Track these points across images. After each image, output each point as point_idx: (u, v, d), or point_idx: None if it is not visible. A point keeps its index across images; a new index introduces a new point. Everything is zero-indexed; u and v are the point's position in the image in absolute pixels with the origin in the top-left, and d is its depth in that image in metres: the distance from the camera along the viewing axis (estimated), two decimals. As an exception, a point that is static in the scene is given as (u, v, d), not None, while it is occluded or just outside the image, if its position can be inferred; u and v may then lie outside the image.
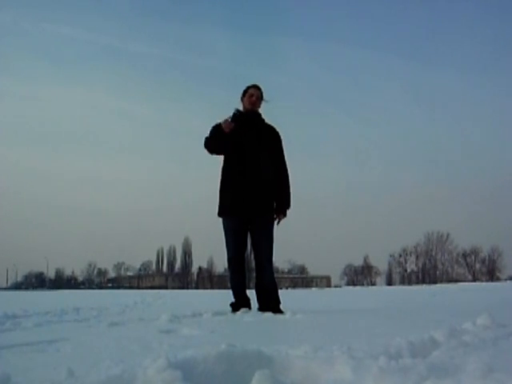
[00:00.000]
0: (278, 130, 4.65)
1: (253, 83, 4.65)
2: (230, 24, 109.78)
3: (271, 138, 4.56)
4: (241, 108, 4.60)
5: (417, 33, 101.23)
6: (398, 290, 22.29)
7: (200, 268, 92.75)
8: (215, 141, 4.44)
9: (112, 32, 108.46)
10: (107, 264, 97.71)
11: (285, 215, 4.53)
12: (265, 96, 4.63)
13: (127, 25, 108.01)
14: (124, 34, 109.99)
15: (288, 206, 4.54)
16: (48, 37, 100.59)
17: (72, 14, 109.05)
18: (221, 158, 4.57)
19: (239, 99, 4.62)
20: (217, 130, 4.42)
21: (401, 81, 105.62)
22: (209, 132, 4.51)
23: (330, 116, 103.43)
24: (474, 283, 37.00)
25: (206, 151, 4.50)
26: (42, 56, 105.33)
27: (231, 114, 4.43)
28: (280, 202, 4.52)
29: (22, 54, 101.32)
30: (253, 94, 4.54)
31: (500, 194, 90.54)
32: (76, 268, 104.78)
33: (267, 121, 4.65)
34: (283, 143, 4.65)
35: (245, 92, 4.59)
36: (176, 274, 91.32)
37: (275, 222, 4.49)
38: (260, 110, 4.63)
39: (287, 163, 4.62)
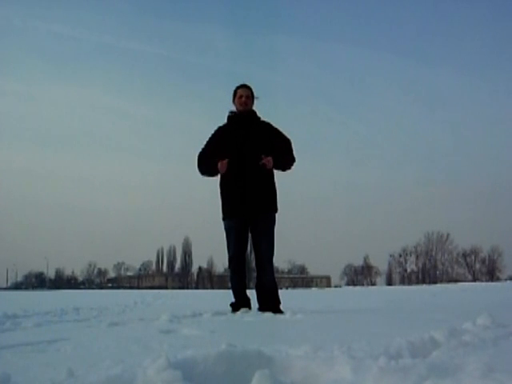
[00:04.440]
0: (275, 125, 4.62)
1: (241, 83, 4.63)
2: (229, 22, 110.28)
3: (270, 136, 4.54)
4: (234, 110, 4.60)
5: (416, 32, 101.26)
6: (398, 289, 22.29)
7: (200, 268, 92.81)
8: (208, 170, 4.50)
9: (108, 30, 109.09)
10: (107, 264, 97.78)
11: (271, 162, 4.41)
12: (255, 93, 4.61)
13: (123, 22, 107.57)
14: (120, 31, 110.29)
15: (282, 161, 4.51)
16: (41, 35, 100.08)
17: (67, 12, 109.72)
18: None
19: (231, 102, 4.61)
20: (212, 165, 4.43)
21: (400, 80, 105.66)
22: (200, 155, 4.52)
23: (330, 116, 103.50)
24: (474, 283, 36.98)
25: (197, 170, 4.54)
26: (36, 54, 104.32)
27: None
28: (279, 154, 4.47)
29: (15, 52, 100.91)
30: (242, 95, 4.52)
31: (500, 194, 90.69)
32: (76, 268, 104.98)
33: (263, 118, 4.63)
34: (289, 137, 4.61)
35: (234, 94, 4.58)
36: (176, 273, 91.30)
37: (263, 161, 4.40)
38: (254, 108, 4.61)
39: (295, 155, 4.59)
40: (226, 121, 4.62)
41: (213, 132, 4.60)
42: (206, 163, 4.49)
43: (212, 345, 1.62)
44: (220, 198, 4.53)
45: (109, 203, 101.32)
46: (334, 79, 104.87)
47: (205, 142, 4.58)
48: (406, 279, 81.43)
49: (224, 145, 4.46)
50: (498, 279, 68.34)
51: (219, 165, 4.36)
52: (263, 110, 4.67)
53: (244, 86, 4.59)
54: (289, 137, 4.62)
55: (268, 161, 4.40)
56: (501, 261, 78.18)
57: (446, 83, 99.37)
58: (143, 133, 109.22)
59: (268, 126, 4.60)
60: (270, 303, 4.30)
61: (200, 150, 4.57)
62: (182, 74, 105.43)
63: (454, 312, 4.36)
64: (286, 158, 4.55)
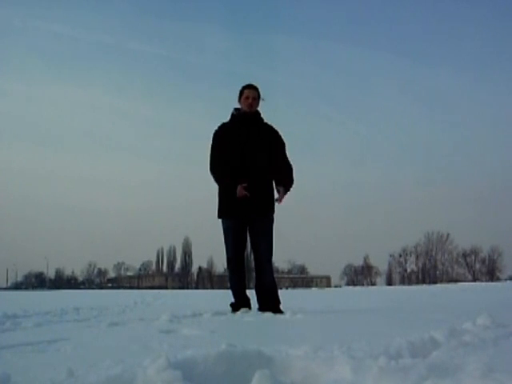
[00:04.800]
0: (276, 128, 4.63)
1: (248, 83, 4.58)
2: (229, 22, 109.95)
3: (270, 138, 4.54)
4: (239, 108, 4.58)
5: (416, 32, 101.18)
6: (398, 289, 22.28)
7: (200, 268, 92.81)
8: (222, 181, 4.44)
9: (108, 30, 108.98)
10: (107, 264, 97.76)
11: (285, 192, 4.43)
12: (262, 94, 4.57)
13: (123, 22, 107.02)
14: (120, 31, 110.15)
15: (290, 184, 4.50)
16: (41, 35, 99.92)
17: (67, 12, 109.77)
18: None
19: (237, 100, 4.57)
20: (227, 182, 4.38)
21: (400, 80, 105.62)
22: (213, 162, 4.44)
23: (330, 116, 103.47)
24: (473, 283, 36.95)
25: (210, 173, 4.49)
26: (36, 54, 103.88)
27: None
28: (282, 180, 4.47)
29: (15, 52, 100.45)
30: (248, 96, 4.47)
31: (500, 194, 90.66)
32: (76, 268, 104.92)
33: (266, 120, 4.62)
34: (284, 140, 4.62)
35: (241, 93, 4.53)
36: (176, 273, 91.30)
37: (278, 200, 4.40)
38: (259, 109, 4.58)
39: (289, 158, 4.60)
40: (227, 119, 4.60)
41: (216, 129, 4.54)
42: (221, 173, 4.42)
43: (212, 345, 1.62)
44: (218, 197, 4.53)
45: (109, 203, 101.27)
46: (334, 79, 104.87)
47: (211, 145, 4.49)
48: (406, 279, 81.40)
49: (226, 143, 4.45)
50: (498, 279, 68.31)
51: (238, 189, 4.30)
52: (263, 110, 4.66)
53: (251, 87, 4.53)
54: (291, 162, 4.60)
55: (283, 198, 4.40)
56: (501, 261, 78.25)
57: (446, 83, 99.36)
58: (143, 133, 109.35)
59: (270, 128, 4.59)
60: (270, 303, 4.30)
61: (210, 157, 4.48)
62: (182, 74, 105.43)
63: (454, 312, 4.36)
64: (290, 186, 4.53)
